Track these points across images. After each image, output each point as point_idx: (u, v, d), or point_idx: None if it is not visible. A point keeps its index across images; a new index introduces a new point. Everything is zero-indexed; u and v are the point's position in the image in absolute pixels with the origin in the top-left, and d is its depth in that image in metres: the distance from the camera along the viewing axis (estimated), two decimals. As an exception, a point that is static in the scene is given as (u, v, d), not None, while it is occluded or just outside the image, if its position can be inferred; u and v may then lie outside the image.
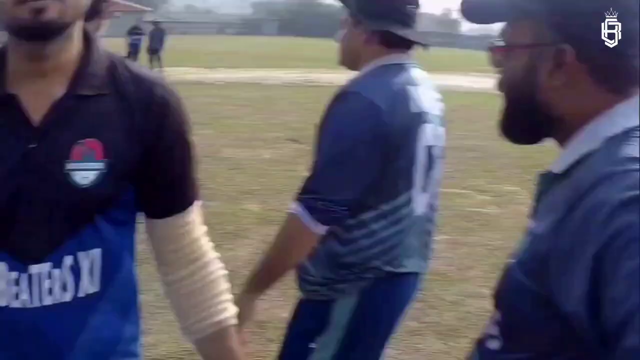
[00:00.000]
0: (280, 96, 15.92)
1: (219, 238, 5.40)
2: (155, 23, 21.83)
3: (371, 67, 2.04)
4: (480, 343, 1.08)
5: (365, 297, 2.02)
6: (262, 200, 6.78)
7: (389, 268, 2.01)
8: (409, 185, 2.00)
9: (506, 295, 1.01)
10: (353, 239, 1.98)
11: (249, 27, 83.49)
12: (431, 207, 2.13)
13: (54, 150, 1.18)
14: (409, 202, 2.01)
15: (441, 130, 2.12)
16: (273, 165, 8.45)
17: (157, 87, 1.27)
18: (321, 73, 22.46)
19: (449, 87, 16.44)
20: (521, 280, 0.95)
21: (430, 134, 2.04)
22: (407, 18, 2.02)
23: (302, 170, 7.57)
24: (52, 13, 1.07)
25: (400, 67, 2.04)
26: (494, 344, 1.02)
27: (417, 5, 2.06)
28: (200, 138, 10.07)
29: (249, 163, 8.55)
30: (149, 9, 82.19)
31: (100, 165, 1.20)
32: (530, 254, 0.95)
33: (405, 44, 2.05)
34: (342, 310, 2.03)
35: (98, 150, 1.20)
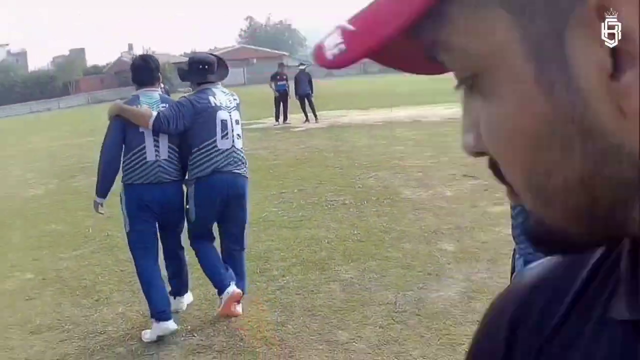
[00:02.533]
0: (443, 132, 15.31)
1: (422, 280, 5.45)
2: (300, 67, 21.47)
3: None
4: None
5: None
6: (456, 238, 6.56)
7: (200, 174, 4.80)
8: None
9: None
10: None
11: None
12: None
13: None
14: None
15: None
16: (455, 203, 8.11)
17: None
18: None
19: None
20: None
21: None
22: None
23: (486, 206, 7.23)
24: None
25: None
26: None
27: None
28: (376, 180, 10.13)
29: (431, 202, 8.25)
30: (287, 53, 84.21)
31: None
32: None
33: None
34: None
35: None
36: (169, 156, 4.79)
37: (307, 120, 20.61)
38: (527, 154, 0.45)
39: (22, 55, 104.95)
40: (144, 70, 4.95)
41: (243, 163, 4.95)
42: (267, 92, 21.47)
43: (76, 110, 55.76)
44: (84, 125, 25.00)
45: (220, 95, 4.92)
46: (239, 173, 4.89)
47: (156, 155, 4.74)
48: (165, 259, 5.13)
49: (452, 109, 21.91)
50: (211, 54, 5.46)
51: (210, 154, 4.76)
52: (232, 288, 4.82)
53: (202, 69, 4.94)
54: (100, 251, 7.25)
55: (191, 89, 5.10)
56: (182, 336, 4.69)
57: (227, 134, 4.80)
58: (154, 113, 4.69)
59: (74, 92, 75.63)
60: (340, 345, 4.33)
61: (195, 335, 4.70)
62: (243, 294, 5.00)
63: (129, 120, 4.73)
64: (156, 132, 4.70)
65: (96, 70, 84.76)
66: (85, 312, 5.37)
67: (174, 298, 5.13)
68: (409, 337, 4.39)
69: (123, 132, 4.76)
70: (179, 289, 5.22)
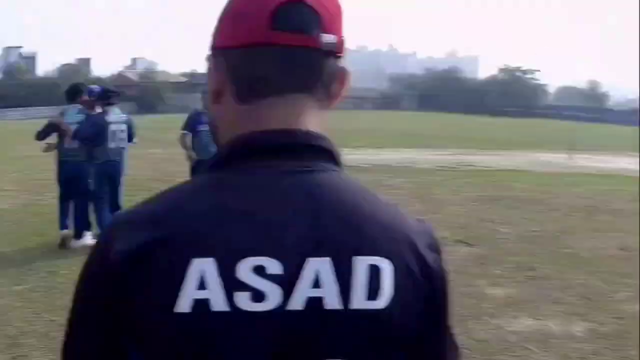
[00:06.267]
0: (435, 182, 14.54)
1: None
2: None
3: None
4: None
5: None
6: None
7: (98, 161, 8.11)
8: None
9: None
10: None
11: (387, 102, 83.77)
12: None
13: None
14: None
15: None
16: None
17: None
18: (474, 155, 21.34)
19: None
20: None
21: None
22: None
23: (484, 287, 6.09)
24: None
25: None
26: None
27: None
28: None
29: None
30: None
31: None
32: None
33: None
34: None
35: None
36: (78, 146, 8.04)
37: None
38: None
39: (31, 59, 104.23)
40: (72, 93, 8.49)
41: (123, 155, 8.12)
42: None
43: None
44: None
45: (112, 115, 8.01)
46: (119, 161, 8.07)
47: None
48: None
49: (444, 155, 21.23)
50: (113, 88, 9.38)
51: (104, 149, 7.88)
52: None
53: (109, 95, 8.20)
54: (39, 290, 6.36)
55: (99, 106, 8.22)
56: None
57: (114, 138, 7.92)
58: (73, 129, 7.94)
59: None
60: None
61: None
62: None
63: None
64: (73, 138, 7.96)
65: (99, 82, 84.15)
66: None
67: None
68: None
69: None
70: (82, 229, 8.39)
